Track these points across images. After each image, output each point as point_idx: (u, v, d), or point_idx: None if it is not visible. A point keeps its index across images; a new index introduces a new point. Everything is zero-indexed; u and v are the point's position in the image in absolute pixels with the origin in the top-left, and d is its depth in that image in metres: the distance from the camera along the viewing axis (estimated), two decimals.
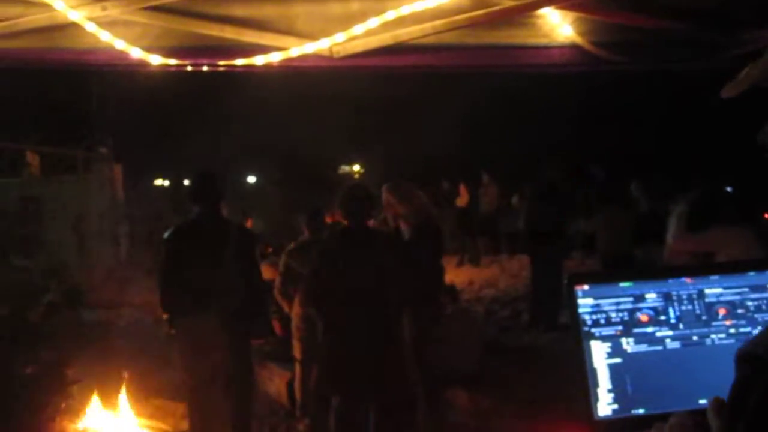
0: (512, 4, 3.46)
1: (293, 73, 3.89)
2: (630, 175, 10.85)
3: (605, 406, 2.11)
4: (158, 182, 23.67)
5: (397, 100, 19.29)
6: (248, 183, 29.25)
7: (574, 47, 3.70)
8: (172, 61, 3.50)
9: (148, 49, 3.47)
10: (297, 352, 6.29)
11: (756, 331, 2.11)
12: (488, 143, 20.64)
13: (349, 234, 4.95)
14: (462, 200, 15.75)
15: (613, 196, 9.63)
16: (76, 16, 3.35)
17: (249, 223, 11.26)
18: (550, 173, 10.14)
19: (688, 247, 4.65)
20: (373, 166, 25.40)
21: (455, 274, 12.86)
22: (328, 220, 7.11)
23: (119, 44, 3.41)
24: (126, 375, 6.06)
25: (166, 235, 5.44)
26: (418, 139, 20.06)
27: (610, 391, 2.11)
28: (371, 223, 5.17)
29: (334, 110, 20.75)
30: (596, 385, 2.11)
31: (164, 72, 3.69)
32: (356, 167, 30.23)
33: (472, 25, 3.54)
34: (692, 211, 4.51)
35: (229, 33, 3.52)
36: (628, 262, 8.93)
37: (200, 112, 20.17)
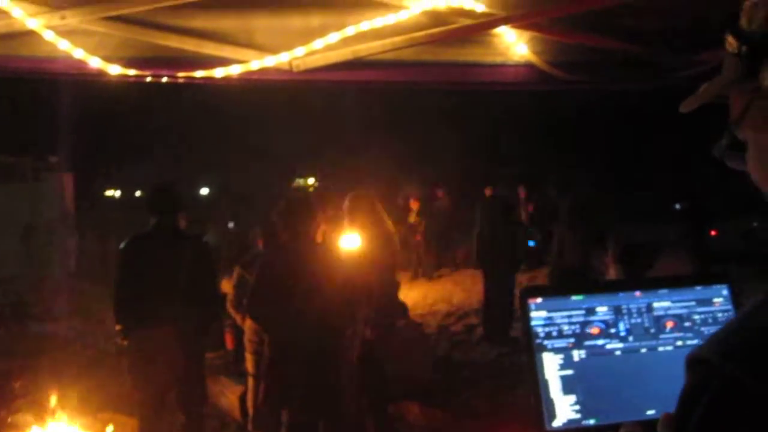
0: (469, 22, 3.53)
1: (250, 87, 3.89)
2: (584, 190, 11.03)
3: (556, 417, 2.17)
4: (109, 193, 23.36)
5: (354, 115, 19.37)
6: (201, 195, 29.01)
7: (529, 66, 3.78)
8: (132, 72, 3.49)
9: (108, 59, 3.45)
10: (249, 366, 6.25)
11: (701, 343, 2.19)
12: (443, 157, 20.79)
13: (290, 248, 4.91)
14: (413, 214, 15.83)
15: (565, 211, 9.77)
16: (35, 24, 3.32)
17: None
18: (501, 188, 10.28)
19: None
20: (328, 179, 25.39)
21: (409, 288, 12.92)
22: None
23: (78, 53, 3.39)
24: (76, 387, 5.97)
25: (122, 245, 5.39)
26: (373, 153, 20.13)
27: (561, 402, 2.17)
28: (314, 235, 5.12)
29: (290, 123, 20.75)
30: (548, 396, 2.17)
31: (119, 82, 3.67)
32: (310, 180, 30.20)
33: (430, 42, 3.61)
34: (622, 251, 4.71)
35: (190, 45, 3.53)
36: (581, 275, 9.06)
37: (154, 124, 19.98)
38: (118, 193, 23.48)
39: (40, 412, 5.69)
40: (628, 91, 5.40)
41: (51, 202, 12.64)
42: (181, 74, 3.52)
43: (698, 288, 2.31)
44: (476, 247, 10.18)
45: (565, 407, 2.16)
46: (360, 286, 5.05)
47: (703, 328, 2.23)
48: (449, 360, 8.96)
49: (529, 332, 2.25)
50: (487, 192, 10.93)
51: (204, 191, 29.33)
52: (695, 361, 0.94)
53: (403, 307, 8.36)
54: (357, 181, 13.14)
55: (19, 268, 11.33)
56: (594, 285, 2.74)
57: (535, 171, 16.80)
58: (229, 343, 7.07)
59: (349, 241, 5.82)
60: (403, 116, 18.84)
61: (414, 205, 15.88)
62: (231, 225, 13.67)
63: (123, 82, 3.63)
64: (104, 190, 22.68)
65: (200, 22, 3.51)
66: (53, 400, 5.57)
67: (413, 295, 12.49)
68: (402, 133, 19.57)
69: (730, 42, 1.02)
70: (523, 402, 2.11)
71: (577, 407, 2.16)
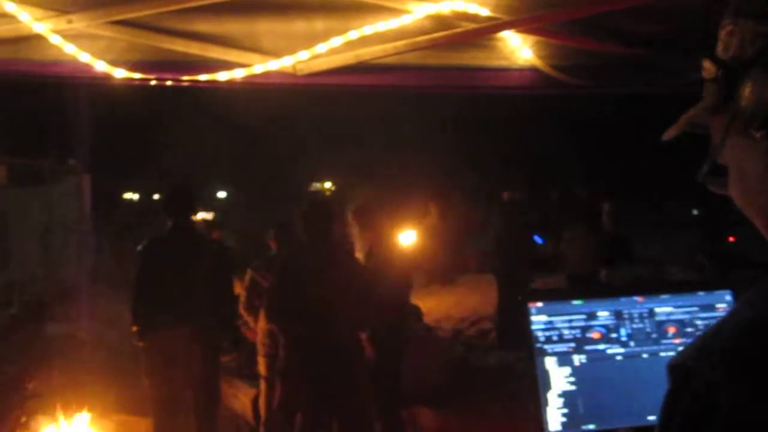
0: (473, 26, 3.53)
1: (267, 90, 3.92)
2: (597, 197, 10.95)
3: (556, 421, 2.16)
4: (128, 195, 23.53)
5: (369, 119, 19.40)
6: (218, 198, 29.17)
7: (533, 70, 3.78)
8: (137, 75, 3.52)
9: (113, 63, 3.48)
10: (262, 368, 6.28)
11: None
12: (460, 162, 20.76)
13: (311, 250, 4.96)
14: (431, 219, 15.79)
15: (582, 217, 9.72)
16: (41, 28, 3.36)
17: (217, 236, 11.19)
18: (516, 193, 10.23)
19: None
20: (345, 183, 25.44)
21: (423, 292, 12.90)
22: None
23: (84, 57, 3.42)
24: (90, 389, 6.01)
25: (139, 247, 5.44)
26: (390, 158, 20.15)
27: (561, 406, 2.17)
28: (335, 239, 5.20)
29: (307, 127, 20.81)
30: (547, 401, 2.16)
31: (137, 86, 3.71)
32: (327, 184, 30.25)
33: (434, 46, 3.61)
34: None
35: (194, 49, 3.55)
36: (593, 282, 9.02)
37: (172, 127, 20.10)
38: (136, 196, 23.64)
39: (55, 413, 5.74)
40: (641, 95, 5.37)
41: (69, 205, 12.70)
42: (185, 78, 3.55)
43: (701, 293, 2.30)
44: (491, 251, 10.15)
45: (564, 412, 2.16)
46: (373, 291, 5.07)
47: None
48: (462, 364, 8.94)
49: (529, 336, 2.25)
50: (505, 196, 10.86)
51: (221, 194, 29.50)
52: (675, 367, 0.94)
53: (416, 312, 8.36)
54: (374, 184, 13.18)
55: (36, 269, 11.41)
56: (595, 289, 2.74)
57: (551, 175, 16.74)
58: (251, 335, 7.06)
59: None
60: (419, 120, 18.84)
61: (433, 209, 15.84)
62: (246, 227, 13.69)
63: (142, 86, 3.67)
64: (123, 193, 22.85)
65: (205, 26, 3.54)
66: (68, 401, 5.62)
67: (427, 299, 12.47)
68: (418, 137, 19.56)
69: (707, 68, 1.04)
70: (530, 405, 2.12)
71: (577, 412, 2.16)
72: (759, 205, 1.00)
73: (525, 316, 2.25)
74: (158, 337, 5.27)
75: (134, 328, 5.38)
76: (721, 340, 0.92)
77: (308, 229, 4.99)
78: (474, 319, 11.60)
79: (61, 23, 3.39)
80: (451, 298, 13.50)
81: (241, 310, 6.47)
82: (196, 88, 3.70)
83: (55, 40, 3.37)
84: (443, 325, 11.00)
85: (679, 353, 0.95)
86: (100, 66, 3.45)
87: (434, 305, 12.62)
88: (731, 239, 12.06)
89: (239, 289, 6.83)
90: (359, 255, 5.79)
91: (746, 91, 0.97)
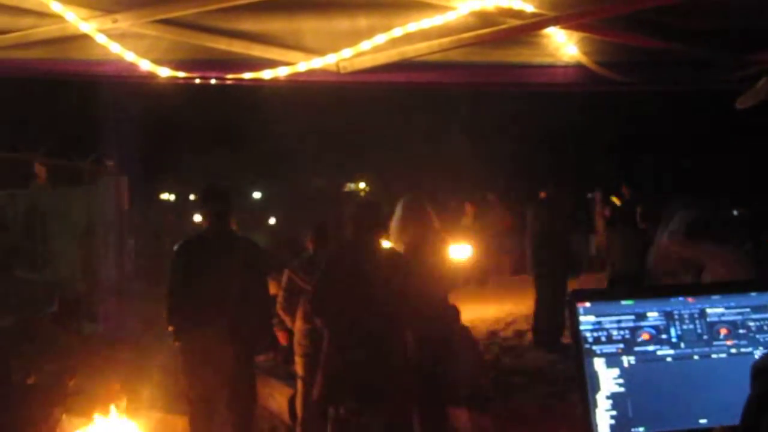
0: (518, 23, 3.49)
1: (301, 93, 3.92)
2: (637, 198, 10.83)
3: (605, 423, 2.11)
4: (164, 196, 23.75)
5: (401, 120, 19.40)
6: (254, 198, 29.35)
7: (578, 67, 3.73)
8: (181, 74, 3.53)
9: (157, 62, 3.50)
10: (299, 368, 6.28)
11: (758, 352, 2.11)
12: (495, 162, 20.67)
13: (357, 249, 5.01)
14: (467, 219, 15.75)
15: (627, 216, 9.61)
16: (87, 27, 3.38)
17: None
18: (553, 191, 10.10)
19: (684, 251, 4.73)
20: (378, 184, 25.46)
21: (459, 293, 12.83)
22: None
23: (129, 56, 3.44)
24: (127, 387, 6.06)
25: (175, 248, 5.47)
26: (422, 158, 20.11)
27: (609, 409, 2.12)
28: (381, 238, 5.23)
29: (341, 129, 20.84)
30: (596, 403, 2.11)
31: (174, 87, 3.73)
32: (362, 185, 30.28)
33: (478, 43, 3.57)
34: (694, 221, 4.57)
35: (237, 47, 3.56)
36: (637, 282, 8.90)
37: (207, 128, 20.26)
38: (173, 197, 23.84)
39: (95, 410, 5.79)
40: (686, 92, 5.29)
41: (107, 205, 12.85)
42: (229, 76, 3.55)
43: (753, 294, 2.23)
44: (529, 251, 10.06)
45: (613, 414, 2.11)
46: (414, 289, 5.08)
47: (758, 336, 2.15)
48: (498, 365, 8.89)
49: (577, 337, 2.20)
50: (541, 195, 10.71)
51: (257, 195, 29.68)
52: (761, 371, 0.90)
53: (455, 312, 8.28)
54: (409, 185, 13.15)
55: (76, 269, 11.57)
56: (644, 290, 2.68)
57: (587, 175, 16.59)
58: (282, 339, 7.08)
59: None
60: (455, 121, 18.80)
61: (470, 209, 15.81)
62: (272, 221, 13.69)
63: (180, 86, 3.69)
64: (160, 193, 23.06)
65: (248, 24, 3.54)
66: (107, 398, 5.66)
67: (462, 299, 12.40)
68: (452, 139, 19.51)
69: None
70: (573, 409, 2.07)
71: (626, 415, 2.10)
72: None
73: (573, 316, 2.20)
74: (193, 337, 5.29)
75: (170, 328, 5.41)
76: None
77: (358, 230, 5.06)
78: (510, 320, 11.53)
79: (107, 23, 3.41)
80: (486, 298, 13.43)
81: (278, 310, 6.48)
82: (235, 87, 3.70)
83: (101, 39, 3.40)
84: (478, 326, 10.94)
85: (764, 356, 0.91)
86: (145, 65, 3.47)
87: (469, 306, 12.56)
88: None
89: (275, 289, 6.84)
90: (401, 248, 5.78)
91: None
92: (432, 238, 5.83)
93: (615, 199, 11.48)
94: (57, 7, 3.31)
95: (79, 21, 3.36)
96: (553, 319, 9.37)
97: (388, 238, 5.77)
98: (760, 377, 0.89)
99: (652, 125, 19.10)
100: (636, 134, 20.39)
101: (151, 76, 3.50)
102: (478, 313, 12.15)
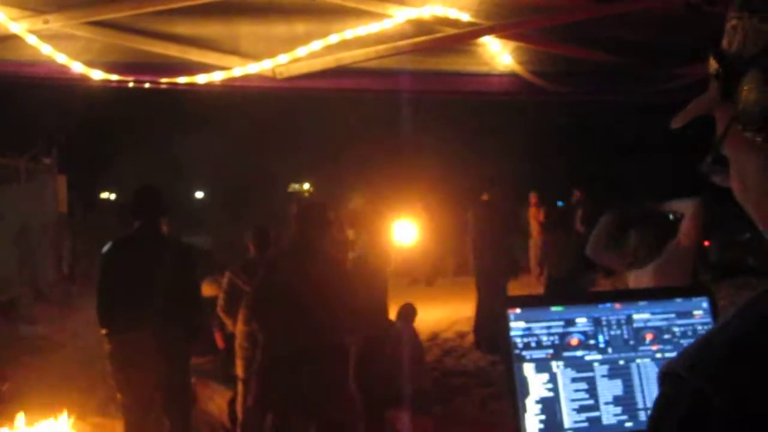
0: (454, 31, 3.53)
1: (245, 92, 3.90)
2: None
3: (534, 428, 2.15)
4: (105, 195, 23.33)
5: (347, 121, 19.39)
6: (196, 199, 29.00)
7: (513, 76, 3.79)
8: (114, 77, 3.48)
9: (90, 64, 3.45)
10: (239, 371, 6.24)
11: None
12: (436, 165, 20.79)
13: (301, 252, 4.96)
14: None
15: (563, 220, 9.75)
16: (17, 28, 3.32)
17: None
18: (494, 194, 10.14)
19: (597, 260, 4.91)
20: (322, 184, 25.41)
21: (405, 295, 12.88)
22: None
23: (60, 58, 3.38)
24: (65, 390, 5.96)
25: (104, 249, 5.38)
26: (366, 160, 20.14)
27: (539, 413, 2.16)
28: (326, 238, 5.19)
29: (284, 129, 20.73)
30: (525, 407, 2.15)
31: (111, 86, 3.67)
32: (306, 185, 30.16)
33: (415, 51, 3.61)
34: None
35: (173, 51, 3.52)
36: (569, 285, 9.04)
37: (150, 127, 19.97)
38: (113, 196, 23.43)
39: (30, 415, 5.68)
40: (619, 102, 5.40)
41: (44, 204, 12.59)
42: (164, 80, 3.52)
43: (678, 300, 2.30)
44: (471, 253, 10.12)
45: (541, 418, 2.15)
46: (355, 291, 5.08)
47: (682, 341, 2.22)
48: (440, 366, 8.94)
49: (507, 342, 2.24)
50: (483, 197, 10.72)
51: (199, 195, 29.34)
52: (667, 375, 0.94)
53: (411, 313, 8.27)
54: (350, 187, 13.15)
55: (11, 270, 11.29)
56: (573, 296, 2.75)
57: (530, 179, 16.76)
58: (220, 342, 7.02)
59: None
60: (398, 121, 18.83)
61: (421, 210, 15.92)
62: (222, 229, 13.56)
63: (119, 85, 3.63)
64: (99, 193, 22.65)
65: (184, 28, 3.51)
66: (43, 403, 5.56)
67: (409, 299, 12.45)
68: (397, 139, 19.55)
69: (711, 63, 1.03)
70: (509, 412, 2.10)
71: (554, 419, 2.15)
72: (755, 203, 1.00)
73: (503, 322, 2.23)
74: (122, 340, 5.22)
75: (103, 331, 5.33)
76: (712, 349, 0.93)
77: (303, 231, 4.98)
78: (451, 321, 11.60)
79: (38, 23, 3.35)
80: (430, 299, 13.49)
81: (219, 312, 6.42)
82: (169, 88, 3.67)
83: (32, 40, 3.34)
84: (420, 327, 10.97)
85: (671, 360, 0.95)
86: (77, 67, 3.41)
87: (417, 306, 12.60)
88: (706, 243, 12.19)
89: (215, 291, 6.79)
90: (351, 256, 5.79)
91: (744, 91, 0.96)
92: (375, 244, 5.89)
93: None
94: None
95: (9, 21, 3.30)
96: (493, 321, 9.44)
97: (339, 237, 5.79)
98: (666, 381, 0.93)
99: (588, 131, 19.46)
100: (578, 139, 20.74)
101: (84, 78, 3.45)
102: (421, 313, 12.19)
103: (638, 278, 4.66)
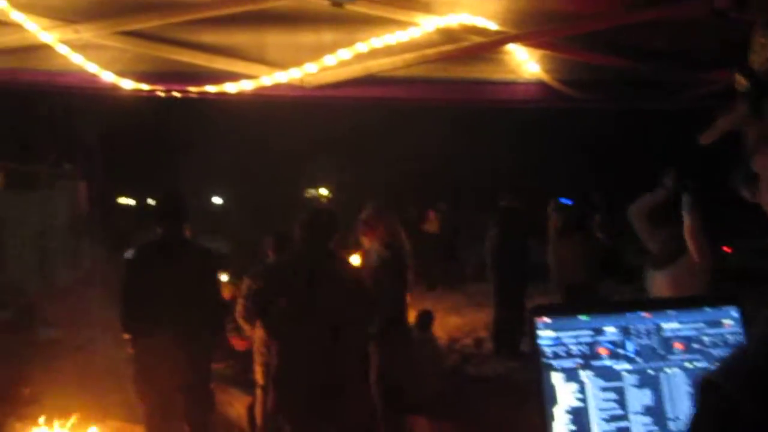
0: (481, 40, 3.54)
1: (273, 100, 3.91)
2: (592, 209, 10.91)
3: None
4: (123, 201, 23.42)
5: (365, 127, 19.39)
6: (214, 204, 29.08)
7: (539, 84, 3.79)
8: (144, 86, 3.51)
9: (121, 74, 3.48)
10: (258, 376, 6.25)
11: (711, 367, 2.17)
12: (454, 170, 20.78)
13: (307, 257, 4.90)
14: (432, 226, 15.84)
15: (580, 226, 9.67)
16: (48, 38, 3.35)
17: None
18: (513, 200, 10.12)
19: None
20: (340, 190, 25.43)
21: (420, 300, 12.88)
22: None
23: (91, 68, 3.41)
24: (84, 395, 5.99)
25: (128, 254, 5.40)
26: (384, 165, 20.14)
27: (567, 422, 2.15)
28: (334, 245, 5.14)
29: (302, 134, 20.77)
30: (553, 416, 2.15)
31: (135, 94, 3.69)
32: (323, 191, 30.15)
33: (442, 59, 3.62)
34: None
35: (202, 60, 3.55)
36: (588, 292, 8.96)
37: (168, 133, 20.06)
38: (132, 202, 23.51)
39: (49, 418, 5.71)
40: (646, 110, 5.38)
41: (64, 210, 12.67)
42: (193, 89, 3.54)
43: (707, 309, 2.28)
44: (488, 259, 10.08)
45: (570, 428, 2.15)
46: (373, 297, 5.06)
47: (712, 350, 2.20)
48: (459, 373, 8.92)
49: (536, 351, 2.24)
50: (502, 203, 10.67)
51: (217, 200, 29.39)
52: (705, 385, 0.95)
53: (429, 318, 8.27)
54: (368, 192, 13.16)
55: (31, 274, 11.37)
56: (602, 305, 2.72)
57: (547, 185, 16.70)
58: (239, 346, 7.01)
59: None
60: (415, 130, 18.83)
61: (433, 216, 15.90)
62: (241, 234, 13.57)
63: (141, 94, 3.65)
64: (118, 198, 22.72)
65: (212, 37, 3.53)
66: (63, 407, 5.59)
67: (425, 306, 12.44)
68: (414, 146, 19.57)
69: (739, 80, 1.03)
70: (532, 419, 2.10)
71: (584, 428, 2.14)
72: None
73: (532, 331, 2.23)
74: (145, 345, 5.24)
75: (125, 336, 5.36)
76: (750, 360, 0.94)
77: (308, 238, 4.90)
78: (469, 328, 11.57)
79: (69, 33, 3.38)
80: (446, 306, 13.47)
81: (237, 318, 6.44)
82: (203, 98, 3.69)
83: (62, 50, 3.36)
84: (438, 334, 10.95)
85: (710, 370, 0.96)
86: (108, 77, 3.44)
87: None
88: (727, 250, 12.08)
89: (233, 295, 6.81)
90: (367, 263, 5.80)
91: None
92: (402, 245, 5.92)
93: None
94: (18, 17, 3.28)
95: (41, 31, 3.33)
96: (512, 328, 9.41)
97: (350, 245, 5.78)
98: (703, 391, 0.93)
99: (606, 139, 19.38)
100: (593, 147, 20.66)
101: (114, 87, 3.48)
102: (439, 320, 12.17)
103: (657, 283, 4.52)
